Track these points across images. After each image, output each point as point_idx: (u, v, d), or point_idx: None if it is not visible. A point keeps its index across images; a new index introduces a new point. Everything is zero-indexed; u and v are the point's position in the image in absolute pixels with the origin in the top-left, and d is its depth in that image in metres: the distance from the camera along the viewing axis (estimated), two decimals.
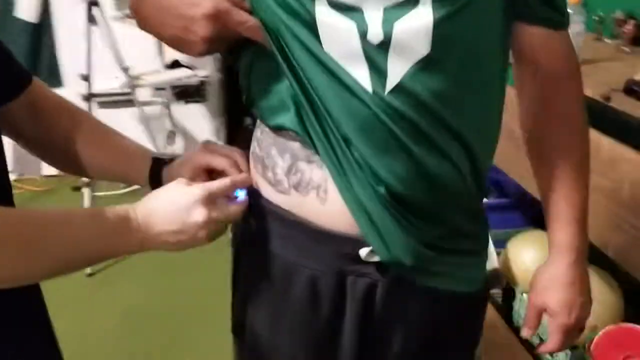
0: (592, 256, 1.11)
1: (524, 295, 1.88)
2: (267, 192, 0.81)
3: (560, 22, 0.81)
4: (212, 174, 0.85)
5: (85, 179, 2.73)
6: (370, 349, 0.82)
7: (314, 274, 0.79)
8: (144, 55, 3.22)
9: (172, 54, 3.46)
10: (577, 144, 0.85)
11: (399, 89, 0.69)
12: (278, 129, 0.77)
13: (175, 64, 3.45)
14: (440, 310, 0.83)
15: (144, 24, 0.78)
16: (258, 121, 0.82)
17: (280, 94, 0.75)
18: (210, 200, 0.75)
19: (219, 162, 0.84)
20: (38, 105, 0.87)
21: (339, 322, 0.81)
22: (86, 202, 2.77)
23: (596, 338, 1.48)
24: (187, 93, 3.19)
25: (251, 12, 0.73)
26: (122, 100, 3.11)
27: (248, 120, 3.82)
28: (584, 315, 0.89)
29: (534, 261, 1.97)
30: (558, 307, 0.86)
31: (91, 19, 2.63)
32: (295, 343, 0.83)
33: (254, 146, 0.83)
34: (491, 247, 1.61)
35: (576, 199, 0.85)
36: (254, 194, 0.82)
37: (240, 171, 0.83)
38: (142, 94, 3.13)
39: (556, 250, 0.87)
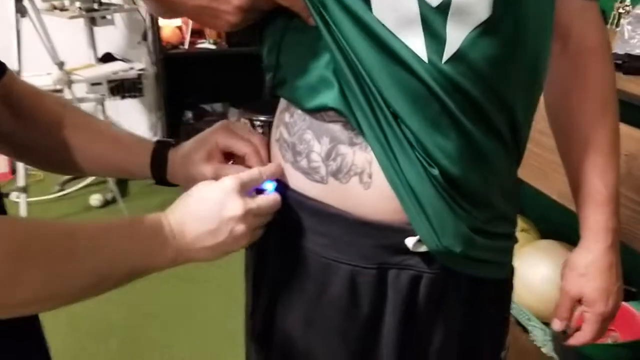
0: (562, 233, 1.09)
1: None
2: (298, 182, 0.73)
3: None
4: (228, 157, 0.78)
5: (20, 184, 2.53)
6: (411, 346, 0.77)
7: (353, 269, 0.72)
8: (75, 48, 3.02)
9: (104, 47, 3.27)
10: (611, 119, 0.82)
11: (456, 57, 0.63)
12: (316, 111, 0.69)
13: (108, 57, 3.26)
14: (480, 300, 0.78)
15: None
16: (284, 104, 0.74)
17: (319, 71, 0.67)
18: (244, 190, 0.67)
19: (240, 147, 0.77)
20: (15, 97, 0.76)
21: (378, 321, 0.75)
22: (22, 209, 2.56)
23: (576, 314, 1.50)
24: (123, 88, 3.01)
25: None
26: None
27: (188, 114, 3.69)
28: (620, 302, 0.86)
29: None
30: (596, 296, 0.83)
31: (20, 10, 2.41)
32: (333, 344, 0.76)
33: (281, 132, 0.75)
34: None
35: (610, 177, 0.82)
36: (281, 186, 0.74)
37: (260, 157, 0.77)
38: (75, 90, 2.93)
39: (592, 233, 0.83)
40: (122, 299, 2.38)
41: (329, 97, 0.67)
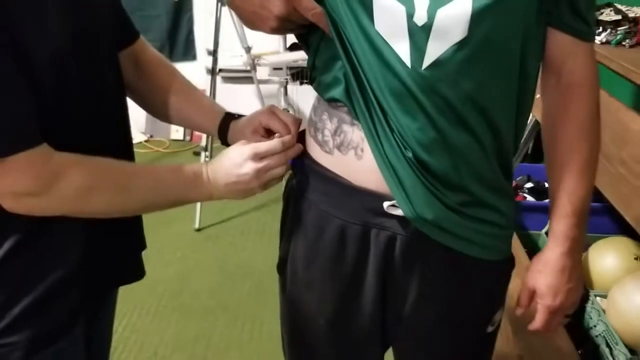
0: None
1: (597, 298, 1.89)
2: (315, 153, 0.95)
3: (586, 33, 0.88)
4: (270, 133, 1.02)
5: (202, 145, 3.03)
6: (390, 295, 0.95)
7: (343, 223, 0.92)
8: (268, 36, 3.44)
9: (293, 37, 3.68)
10: (586, 147, 0.92)
11: (434, 66, 0.79)
12: (330, 100, 0.91)
13: (295, 46, 3.66)
14: (457, 271, 0.93)
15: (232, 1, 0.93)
16: (316, 94, 0.96)
17: (335, 73, 0.89)
18: (257, 157, 0.91)
19: (275, 125, 0.99)
20: (140, 59, 1.05)
21: (363, 269, 0.93)
22: None
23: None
24: (302, 74, 3.39)
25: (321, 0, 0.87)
26: (243, 77, 3.36)
27: None
28: (569, 301, 0.97)
29: (612, 267, 1.97)
30: (545, 290, 0.95)
31: (221, 0, 2.86)
32: (325, 282, 0.97)
33: (311, 113, 0.98)
34: None
35: (577, 195, 0.92)
36: (304, 156, 0.97)
37: (289, 134, 0.98)
38: (262, 73, 3.35)
39: (553, 238, 0.95)
40: (257, 249, 2.82)
41: (338, 92, 0.88)
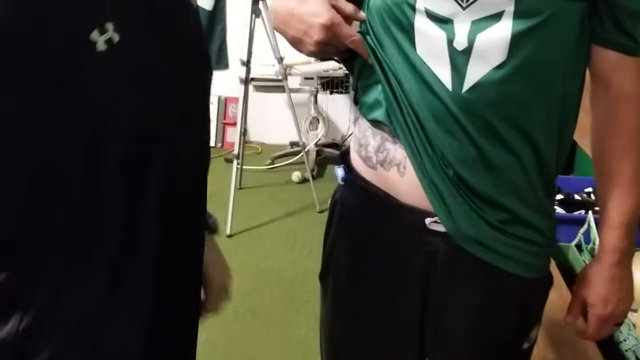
0: None
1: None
2: (359, 167, 0.99)
3: (633, 48, 0.88)
4: None
5: (234, 152, 3.10)
6: (429, 308, 0.97)
7: (386, 237, 0.96)
8: None
9: None
10: (635, 158, 0.92)
11: (474, 88, 0.83)
12: (373, 121, 0.94)
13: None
14: (495, 286, 0.95)
15: (275, 23, 0.98)
16: (359, 112, 1.00)
17: (375, 95, 0.93)
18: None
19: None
20: None
21: (403, 283, 0.97)
22: (233, 173, 3.14)
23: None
24: (332, 84, 3.45)
25: (364, 20, 0.91)
26: (275, 86, 3.43)
27: None
28: (619, 311, 0.96)
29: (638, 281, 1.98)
30: (595, 300, 0.95)
31: (255, 12, 2.95)
32: (366, 292, 1.01)
33: (355, 129, 1.01)
34: None
35: (627, 205, 0.92)
36: (348, 170, 1.01)
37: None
38: (293, 82, 3.41)
39: (602, 249, 0.95)
40: (288, 255, 2.88)
41: (379, 113, 0.92)
